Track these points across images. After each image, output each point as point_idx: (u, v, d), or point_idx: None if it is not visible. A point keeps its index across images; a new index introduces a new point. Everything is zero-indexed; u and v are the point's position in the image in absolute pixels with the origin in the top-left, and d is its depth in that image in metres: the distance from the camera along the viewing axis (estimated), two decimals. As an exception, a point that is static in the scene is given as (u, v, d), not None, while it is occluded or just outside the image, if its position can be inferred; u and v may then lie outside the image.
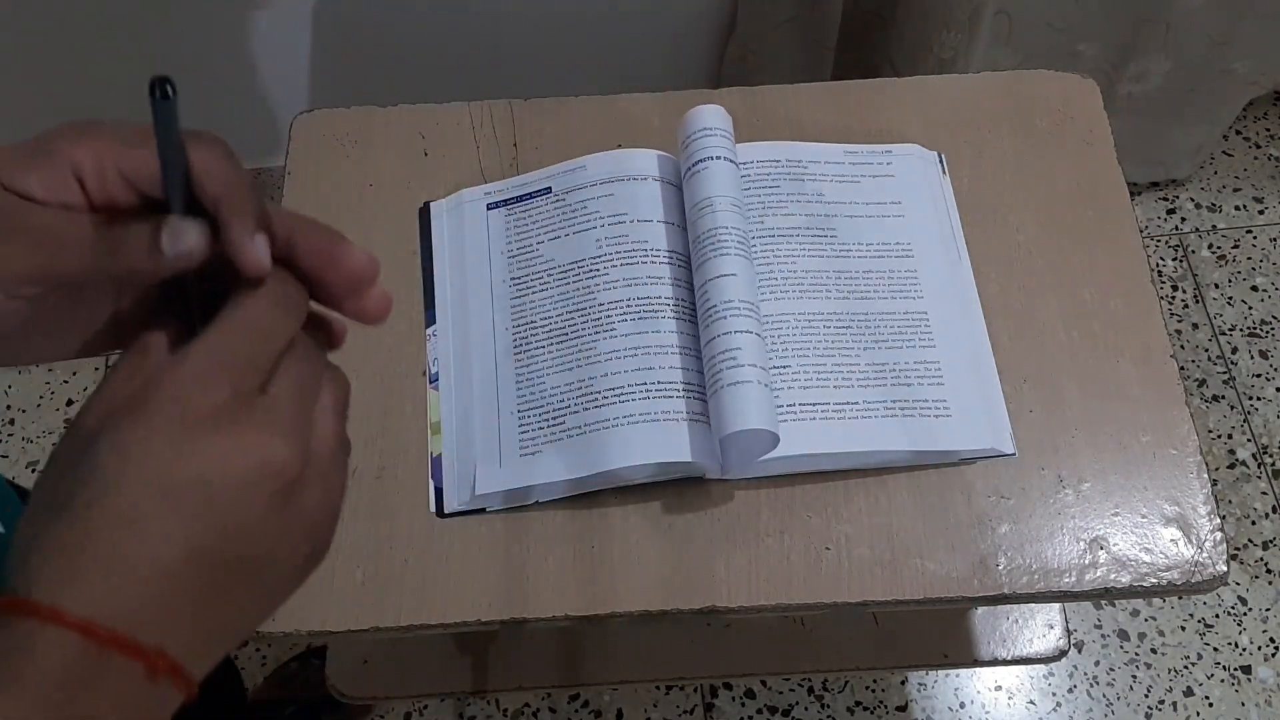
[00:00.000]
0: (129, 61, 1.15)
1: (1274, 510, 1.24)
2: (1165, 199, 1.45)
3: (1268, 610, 1.18)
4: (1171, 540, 0.60)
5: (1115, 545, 0.60)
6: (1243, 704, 1.14)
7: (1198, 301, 1.37)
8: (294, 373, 0.34)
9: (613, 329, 0.63)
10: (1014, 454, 0.63)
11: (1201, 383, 1.32)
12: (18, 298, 0.33)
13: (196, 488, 0.29)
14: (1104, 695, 1.15)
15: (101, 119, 0.34)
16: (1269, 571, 1.20)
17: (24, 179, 0.32)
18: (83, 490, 0.28)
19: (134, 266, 0.32)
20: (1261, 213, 1.44)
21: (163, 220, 0.32)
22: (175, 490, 0.29)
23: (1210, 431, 1.29)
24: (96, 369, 1.36)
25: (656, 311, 0.63)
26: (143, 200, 0.33)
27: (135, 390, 0.31)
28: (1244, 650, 1.17)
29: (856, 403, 0.62)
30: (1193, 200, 1.45)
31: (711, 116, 0.66)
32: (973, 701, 1.14)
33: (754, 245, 0.66)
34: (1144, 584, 0.60)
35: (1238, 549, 1.22)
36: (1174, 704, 1.14)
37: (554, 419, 0.62)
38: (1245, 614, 1.18)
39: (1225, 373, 1.32)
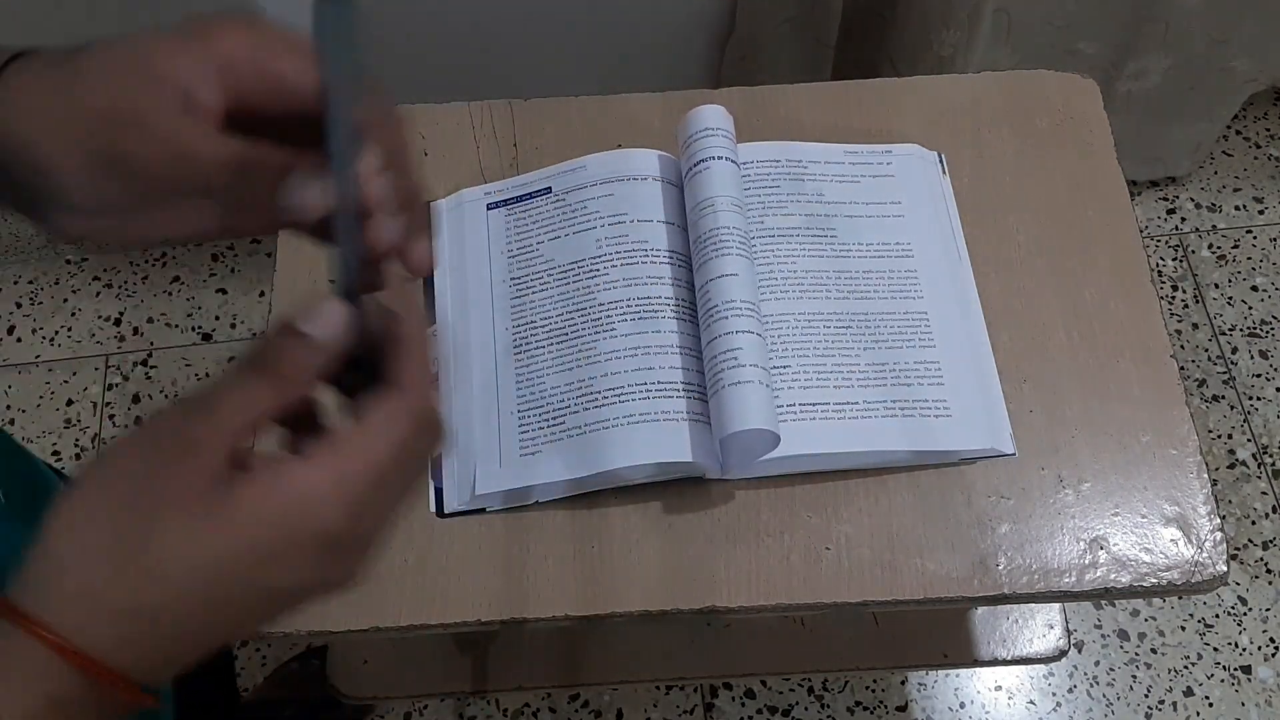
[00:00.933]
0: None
1: (1274, 510, 1.24)
2: (1165, 199, 1.45)
3: (1268, 610, 1.18)
4: (1171, 540, 0.60)
5: (1115, 545, 0.60)
6: (1243, 704, 1.14)
7: (1198, 301, 1.37)
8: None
9: (613, 329, 0.63)
10: (1014, 454, 0.63)
11: (1201, 383, 1.32)
12: (133, 193, 0.33)
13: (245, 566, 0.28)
14: (1104, 695, 1.15)
15: (261, 15, 0.33)
16: (1269, 571, 1.20)
17: (169, 62, 0.32)
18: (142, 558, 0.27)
19: (257, 201, 0.32)
20: (1261, 213, 1.44)
21: (296, 159, 0.32)
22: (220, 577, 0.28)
23: (1210, 431, 1.29)
24: (96, 368, 1.36)
25: (657, 311, 0.63)
26: (280, 111, 0.33)
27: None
28: (1244, 650, 1.17)
29: (856, 403, 0.62)
30: (1193, 200, 1.45)
31: (712, 116, 0.66)
32: (973, 701, 1.14)
33: (754, 245, 0.66)
34: (1144, 584, 0.60)
35: (1238, 549, 1.22)
36: (1174, 704, 1.14)
37: (554, 419, 0.62)
38: (1245, 614, 1.18)
39: (1225, 373, 1.32)
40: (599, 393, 0.61)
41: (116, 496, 0.27)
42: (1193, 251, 1.41)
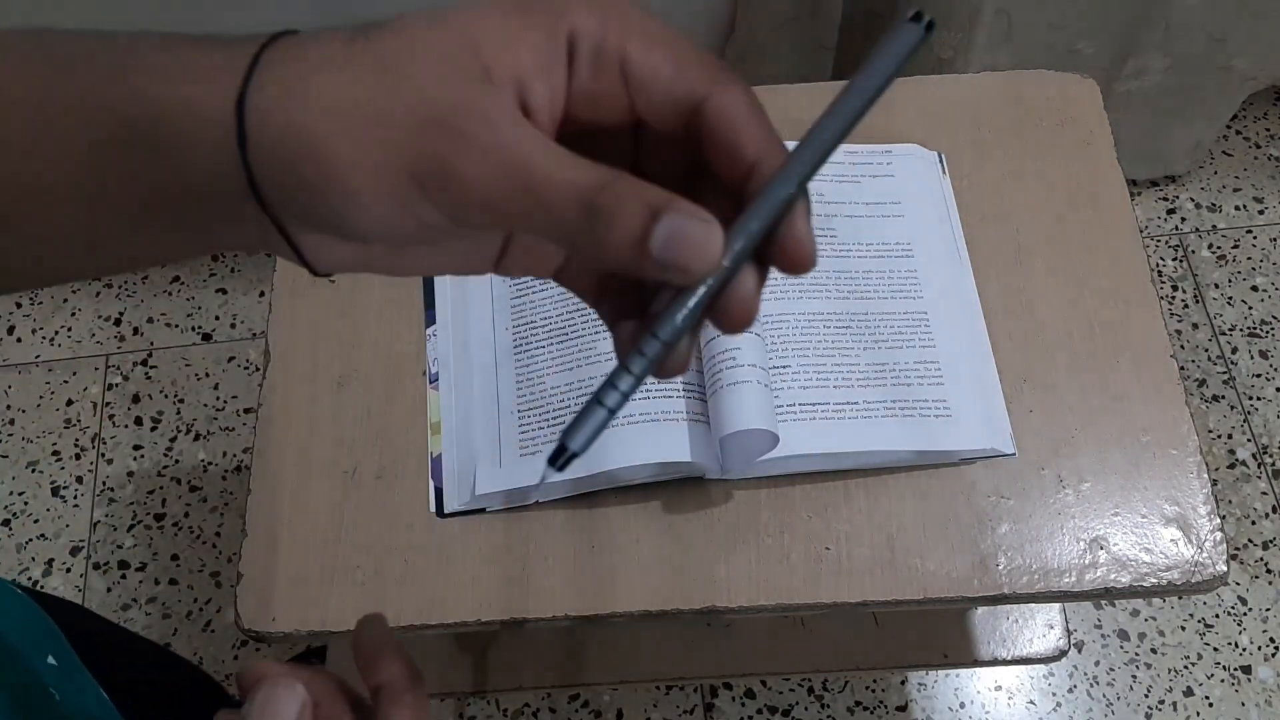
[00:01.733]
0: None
1: (1274, 510, 1.24)
2: (1165, 199, 1.45)
3: (1268, 610, 1.18)
4: (1171, 540, 0.60)
5: (1115, 545, 0.60)
6: (1243, 704, 1.14)
7: (1198, 301, 1.37)
8: None
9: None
10: (1014, 454, 0.63)
11: (1201, 383, 1.32)
12: (446, 223, 0.25)
13: None
14: (1104, 695, 1.15)
15: None
16: (1269, 571, 1.20)
17: (508, 51, 0.24)
18: None
19: (609, 250, 0.24)
20: (1261, 213, 1.44)
21: (671, 201, 0.23)
22: None
23: (1210, 431, 1.29)
24: (96, 368, 1.36)
25: (656, 311, 0.63)
26: (628, 113, 0.25)
27: None
28: (1244, 650, 1.17)
29: (856, 403, 0.62)
30: (1193, 200, 1.45)
31: (711, 116, 0.66)
32: (973, 701, 1.14)
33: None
34: (1144, 584, 0.60)
35: (1238, 549, 1.22)
36: (1174, 704, 1.14)
37: (554, 419, 0.62)
38: (1245, 614, 1.18)
39: (1225, 373, 1.32)
40: (599, 393, 0.61)
41: None
42: (1193, 251, 1.41)
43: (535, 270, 0.28)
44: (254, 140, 0.24)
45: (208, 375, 1.35)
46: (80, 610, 0.70)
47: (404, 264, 0.27)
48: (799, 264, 0.25)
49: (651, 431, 0.60)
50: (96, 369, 1.36)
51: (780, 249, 0.25)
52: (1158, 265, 1.40)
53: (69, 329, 1.39)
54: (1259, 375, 1.32)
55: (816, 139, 0.24)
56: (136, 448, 1.31)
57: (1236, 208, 1.44)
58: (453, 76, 0.23)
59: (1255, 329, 1.35)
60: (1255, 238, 1.42)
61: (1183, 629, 1.18)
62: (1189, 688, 1.15)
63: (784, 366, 0.62)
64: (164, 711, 0.63)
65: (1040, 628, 0.91)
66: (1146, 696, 1.15)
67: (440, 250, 0.27)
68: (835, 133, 0.24)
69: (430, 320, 0.68)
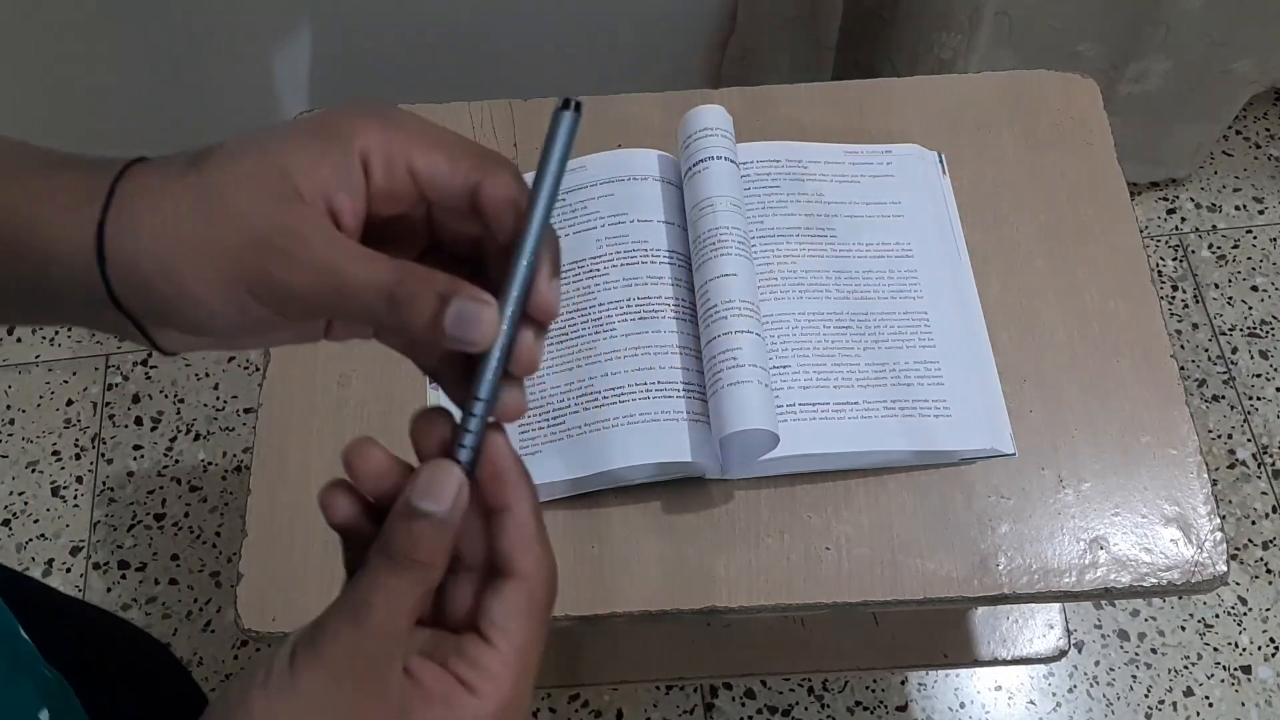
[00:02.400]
0: (128, 60, 1.15)
1: (1274, 510, 1.24)
2: (1165, 199, 1.45)
3: (1268, 610, 1.18)
4: (1171, 540, 0.60)
5: (1115, 545, 0.60)
6: (1243, 704, 1.14)
7: (1198, 301, 1.37)
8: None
9: (612, 329, 0.63)
10: (1014, 454, 0.63)
11: (1201, 383, 1.32)
12: (274, 319, 0.30)
13: None
14: (1104, 695, 1.15)
15: (393, 104, 0.31)
16: (1269, 571, 1.20)
17: (312, 173, 0.29)
18: None
19: (411, 331, 0.29)
20: (1261, 213, 1.43)
21: (455, 287, 0.29)
22: None
23: (1210, 431, 1.29)
24: (96, 368, 1.36)
25: (656, 311, 0.63)
26: (422, 201, 0.31)
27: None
28: (1244, 650, 1.17)
29: (856, 403, 0.62)
30: (1193, 200, 1.45)
31: (712, 116, 0.66)
32: (973, 701, 1.14)
33: (754, 245, 0.66)
34: (1144, 584, 0.60)
35: (1238, 549, 1.22)
36: (1174, 704, 1.14)
37: (554, 419, 0.62)
38: (1245, 614, 1.18)
39: (1225, 373, 1.32)
40: (599, 393, 0.61)
41: None
42: (1193, 251, 1.41)
43: (359, 335, 0.34)
44: (112, 260, 0.29)
45: (208, 375, 1.35)
46: (31, 582, 0.70)
47: (246, 345, 0.33)
48: (543, 318, 0.31)
49: (651, 431, 0.60)
50: (96, 369, 1.36)
51: (531, 307, 0.30)
52: (1158, 265, 1.40)
53: (69, 329, 1.39)
54: (1259, 375, 1.32)
55: (529, 223, 0.30)
56: (136, 448, 1.31)
57: (1236, 208, 1.44)
58: (270, 200, 0.29)
59: (1255, 329, 1.35)
60: (1255, 238, 1.42)
61: (1183, 629, 1.18)
62: (1189, 688, 1.15)
63: (784, 366, 0.62)
64: (118, 681, 0.63)
65: (1040, 628, 0.91)
66: (1146, 696, 1.15)
67: (276, 333, 0.32)
68: (540, 217, 0.30)
69: (430, 320, 0.68)
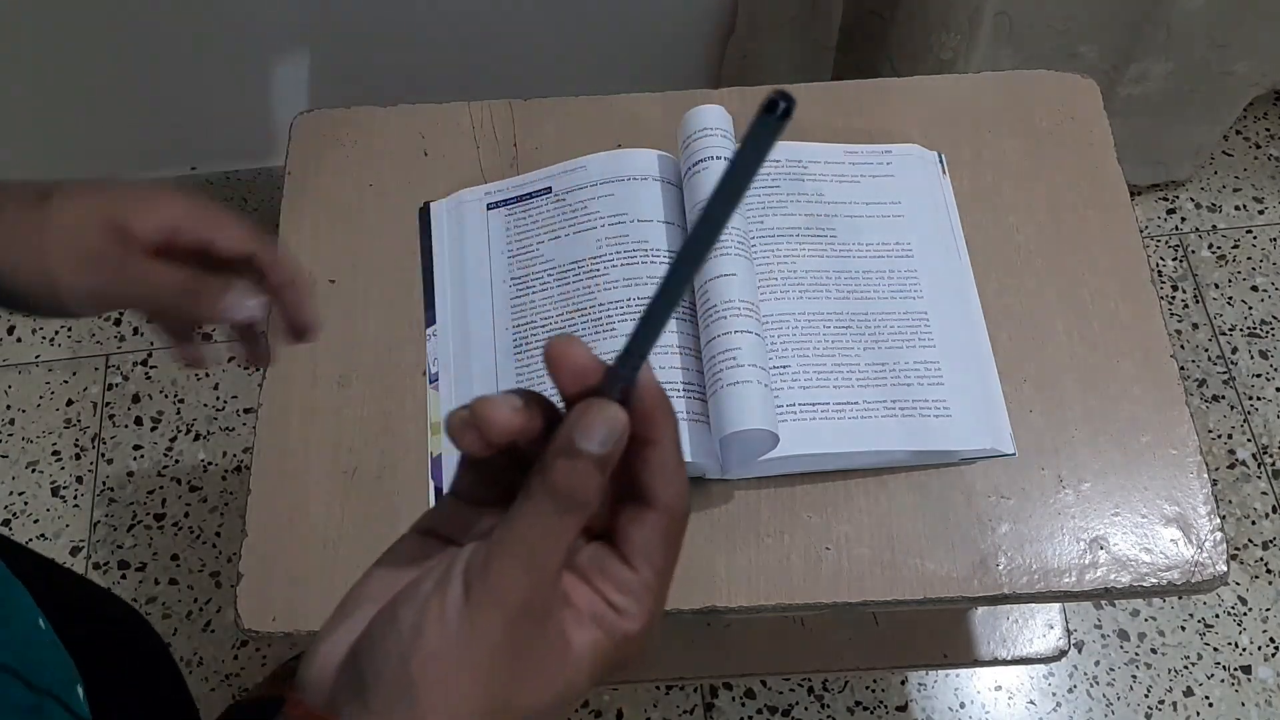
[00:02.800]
0: (128, 60, 1.15)
1: (1274, 510, 1.24)
2: (1165, 199, 1.45)
3: (1268, 610, 1.18)
4: (1171, 540, 0.60)
5: (1115, 545, 0.60)
6: (1243, 704, 1.14)
7: (1198, 301, 1.37)
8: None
9: (613, 329, 0.63)
10: (1014, 454, 0.63)
11: (1201, 383, 1.32)
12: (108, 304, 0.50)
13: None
14: (1104, 695, 1.15)
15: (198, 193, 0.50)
16: (1269, 571, 1.20)
17: (134, 221, 0.47)
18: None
19: (201, 316, 0.52)
20: (1261, 213, 1.44)
21: (229, 283, 0.49)
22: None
23: (1210, 431, 1.29)
24: (96, 368, 1.36)
25: (656, 311, 0.63)
26: (201, 256, 0.49)
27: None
28: (1244, 650, 1.17)
29: (856, 403, 0.62)
30: (1193, 200, 1.45)
31: (711, 116, 0.66)
32: (973, 701, 1.14)
33: (754, 245, 0.66)
34: (1144, 584, 0.60)
35: (1238, 549, 1.22)
36: (1174, 704, 1.14)
37: (554, 419, 0.62)
38: (1245, 614, 1.18)
39: (1225, 373, 1.32)
40: (599, 393, 0.61)
41: (485, 665, 0.29)
42: (1193, 251, 1.41)
43: (160, 318, 0.56)
44: (8, 276, 0.47)
45: (208, 375, 1.35)
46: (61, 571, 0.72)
47: (88, 314, 0.51)
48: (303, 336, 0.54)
49: (651, 431, 0.59)
50: (96, 369, 1.36)
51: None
52: (1158, 265, 1.40)
53: (69, 329, 1.39)
54: (1259, 375, 1.32)
55: (701, 231, 0.28)
56: (136, 448, 1.31)
57: (1236, 208, 1.44)
58: (102, 231, 0.47)
59: (1255, 329, 1.35)
60: (1255, 238, 1.42)
61: (1183, 629, 1.18)
62: (1189, 688, 1.15)
63: (784, 366, 0.62)
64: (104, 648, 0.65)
65: (1040, 628, 0.91)
66: (1146, 696, 1.15)
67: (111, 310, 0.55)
68: (710, 223, 0.28)
69: (430, 320, 0.68)
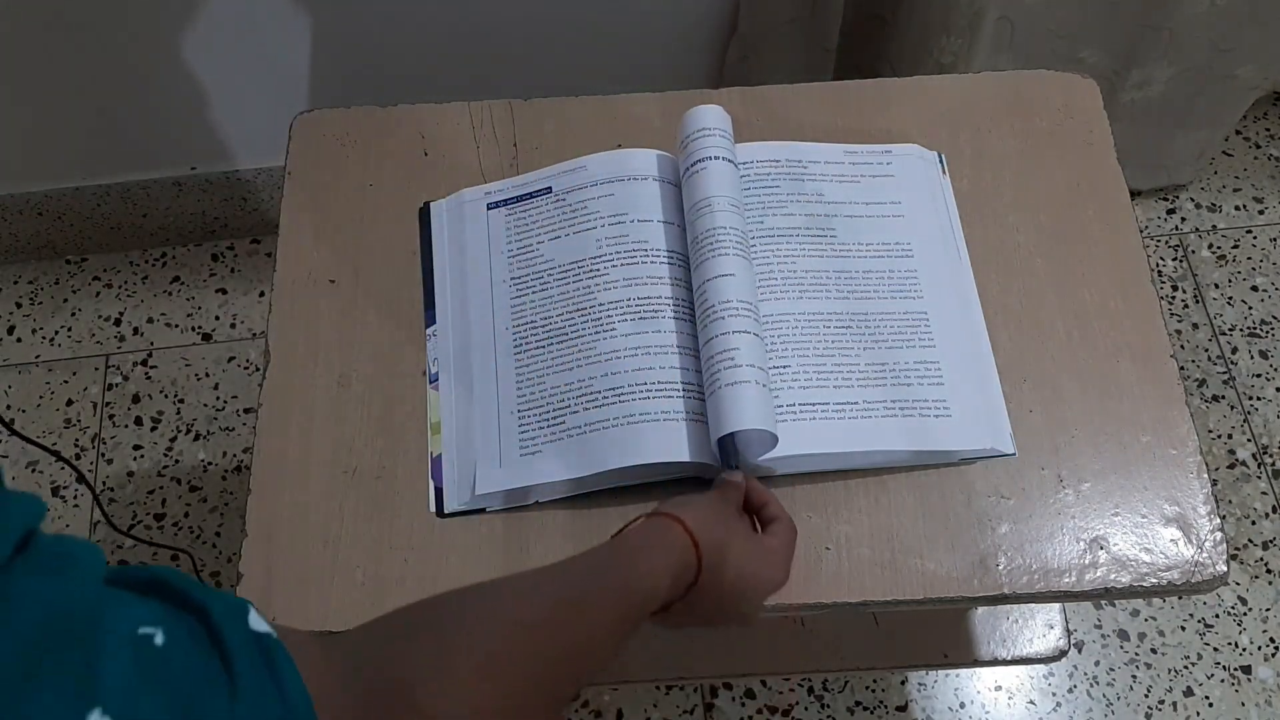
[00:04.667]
0: (129, 60, 1.15)
1: (1274, 510, 1.24)
2: (1165, 199, 1.45)
3: (1268, 610, 1.18)
4: (1171, 540, 0.60)
5: (1115, 545, 0.60)
6: (1243, 704, 1.14)
7: (1198, 301, 1.37)
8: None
9: (613, 329, 0.63)
10: (1014, 454, 0.63)
11: (1201, 383, 1.32)
12: None
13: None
14: (1104, 695, 1.15)
15: None
16: (1269, 571, 1.20)
17: None
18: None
19: None
20: (1261, 213, 1.43)
21: None
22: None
23: (1210, 431, 1.29)
24: (96, 368, 1.36)
25: (656, 311, 0.63)
26: None
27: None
28: (1244, 650, 1.17)
29: (856, 403, 0.62)
30: (1193, 200, 1.45)
31: (711, 116, 0.66)
32: (973, 701, 1.14)
33: (754, 245, 0.66)
34: (1144, 584, 0.60)
35: (1238, 549, 1.22)
36: (1174, 704, 1.14)
37: (554, 419, 0.62)
38: (1245, 614, 1.18)
39: (1225, 373, 1.32)
40: (599, 393, 0.61)
41: (720, 525, 0.55)
42: (1193, 251, 1.41)
43: None
44: None
45: (208, 375, 1.35)
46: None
47: None
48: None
49: (651, 431, 0.60)
50: (96, 369, 1.36)
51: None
52: (1158, 265, 1.40)
53: (69, 329, 1.39)
54: (1259, 375, 1.32)
55: None
56: (136, 448, 1.31)
57: (1236, 208, 1.44)
58: None
59: (1255, 329, 1.35)
60: (1255, 238, 1.42)
61: (1183, 629, 1.18)
62: (1189, 688, 1.15)
63: (784, 366, 0.62)
64: None
65: (1040, 628, 0.91)
66: (1146, 696, 1.15)
67: None
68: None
69: (430, 320, 0.68)
